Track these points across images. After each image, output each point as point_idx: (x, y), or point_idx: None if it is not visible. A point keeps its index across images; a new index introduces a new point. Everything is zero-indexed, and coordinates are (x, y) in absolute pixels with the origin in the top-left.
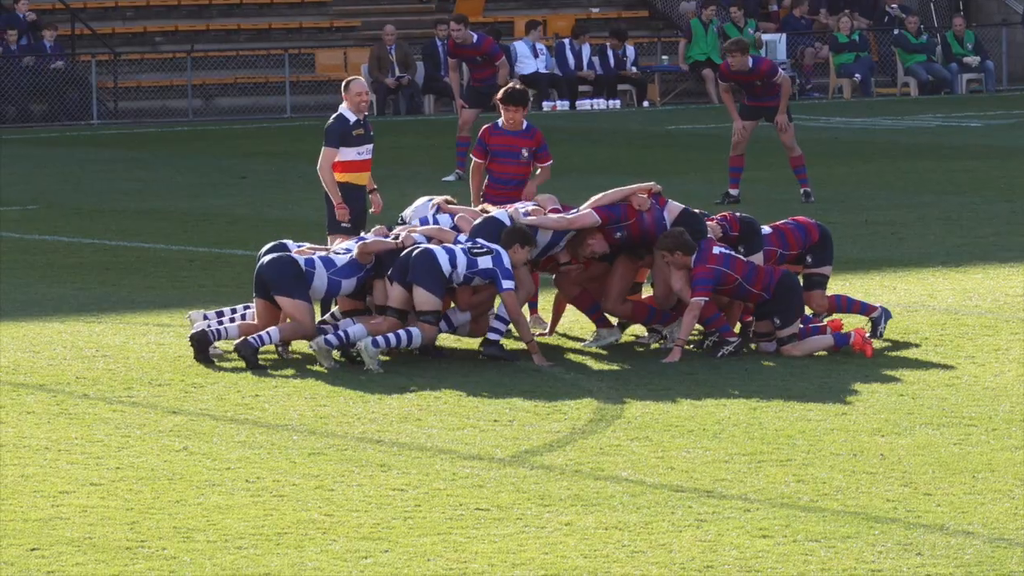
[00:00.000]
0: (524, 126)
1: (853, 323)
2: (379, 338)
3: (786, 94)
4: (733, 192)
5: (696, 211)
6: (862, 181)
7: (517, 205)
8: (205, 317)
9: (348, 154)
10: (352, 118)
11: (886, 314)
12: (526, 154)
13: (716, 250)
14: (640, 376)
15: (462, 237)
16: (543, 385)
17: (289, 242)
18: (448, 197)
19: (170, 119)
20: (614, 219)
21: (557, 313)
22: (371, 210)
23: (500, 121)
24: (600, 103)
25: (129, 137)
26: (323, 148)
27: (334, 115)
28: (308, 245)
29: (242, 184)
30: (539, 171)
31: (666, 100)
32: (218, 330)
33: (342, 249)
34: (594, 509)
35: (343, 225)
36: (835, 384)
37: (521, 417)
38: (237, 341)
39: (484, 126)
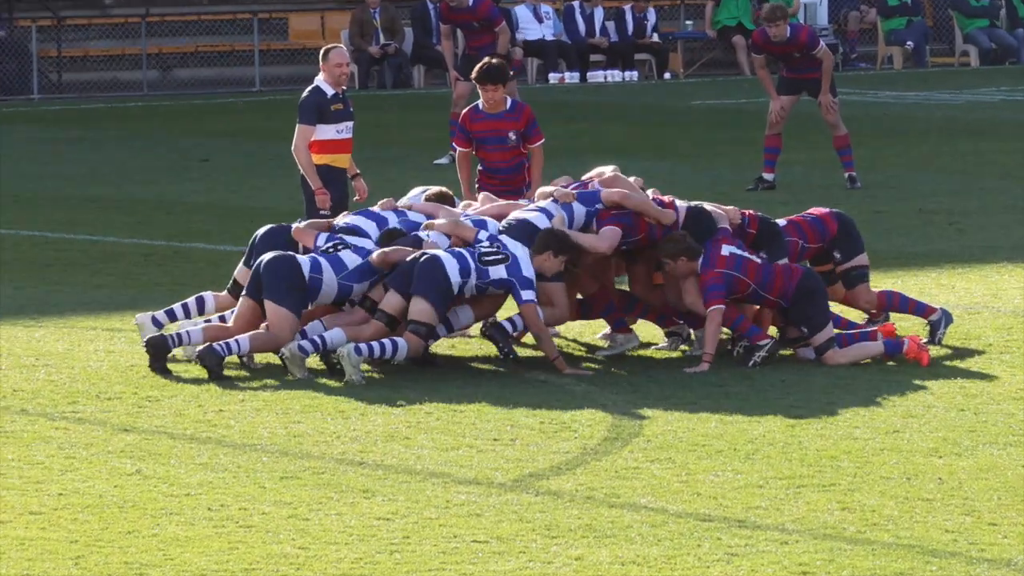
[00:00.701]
0: (508, 104)
1: (907, 327)
2: (363, 345)
3: (828, 70)
4: (768, 176)
5: (706, 206)
6: (915, 164)
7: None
8: (155, 321)
9: (326, 132)
10: (330, 91)
11: (947, 317)
12: (513, 137)
13: (726, 250)
14: (661, 388)
15: (492, 226)
16: (550, 398)
17: (298, 225)
18: (444, 189)
19: (122, 93)
20: (625, 230)
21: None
22: (355, 198)
23: (480, 103)
24: (615, 74)
25: (74, 114)
26: (297, 126)
27: (309, 88)
28: (305, 223)
29: (205, 168)
30: (532, 158)
31: (690, 71)
32: (179, 335)
33: (355, 247)
34: (608, 542)
35: (322, 213)
36: (886, 398)
37: (525, 435)
38: (201, 348)
39: (465, 109)
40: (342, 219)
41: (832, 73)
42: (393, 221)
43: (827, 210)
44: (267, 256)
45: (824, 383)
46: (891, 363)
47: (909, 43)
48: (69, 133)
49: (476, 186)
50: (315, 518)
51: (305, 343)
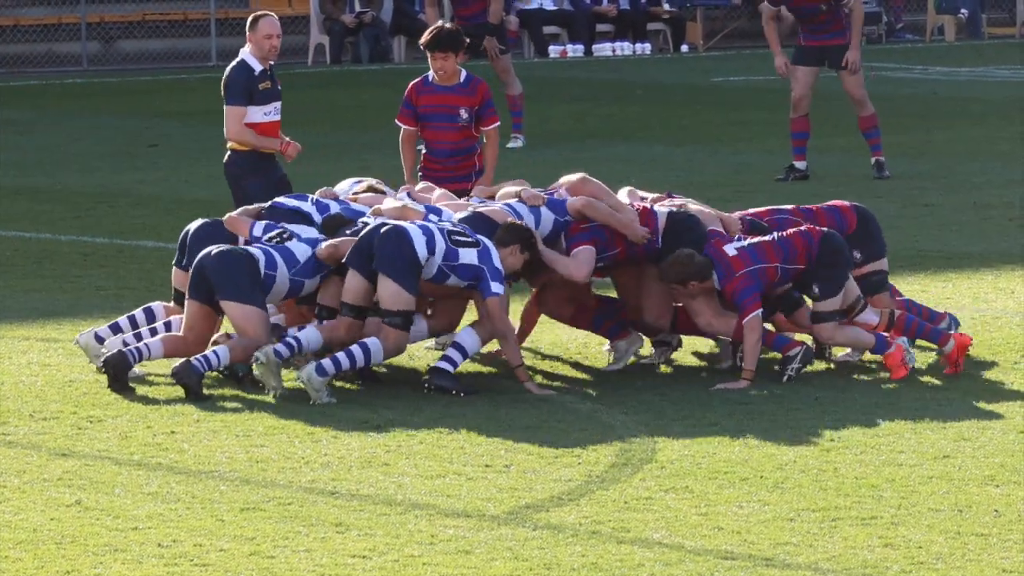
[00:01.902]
0: (462, 78)
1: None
2: (325, 362)
3: (859, 24)
4: (799, 165)
5: (691, 206)
6: (969, 150)
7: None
8: (97, 338)
9: (253, 115)
10: (258, 67)
11: (954, 322)
12: (465, 115)
13: (731, 250)
14: (677, 407)
15: (447, 214)
16: (550, 419)
17: (231, 215)
18: (375, 182)
19: (58, 68)
20: (599, 245)
21: (528, 325)
22: (286, 154)
23: (430, 74)
24: (625, 47)
25: (3, 92)
26: (226, 107)
27: (234, 63)
28: (238, 211)
29: (152, 154)
30: (486, 141)
31: (711, 43)
32: (138, 349)
33: (308, 239)
34: None
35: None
36: (934, 418)
37: (521, 461)
38: (177, 365)
39: (412, 81)
40: (289, 203)
41: (862, 35)
42: (335, 209)
43: (849, 203)
44: (213, 251)
45: (864, 402)
46: (942, 381)
47: (963, 11)
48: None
49: (419, 174)
50: (280, 555)
51: (280, 347)
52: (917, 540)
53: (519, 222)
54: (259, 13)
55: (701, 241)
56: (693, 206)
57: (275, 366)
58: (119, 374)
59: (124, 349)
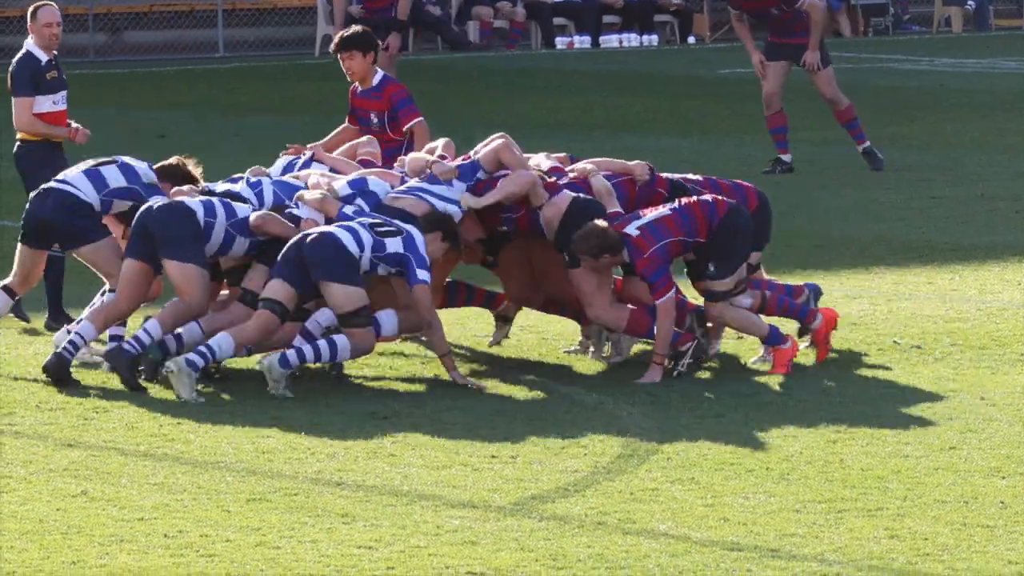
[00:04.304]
0: (375, 81)
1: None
2: (290, 354)
3: (818, 24)
4: (785, 158)
5: (593, 183)
6: (977, 142)
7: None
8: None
9: (41, 105)
10: (44, 57)
11: (814, 293)
12: (375, 120)
13: (632, 231)
14: (683, 398)
15: (363, 201)
16: (556, 410)
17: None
18: (318, 150)
19: (65, 59)
20: (505, 206)
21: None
22: (75, 140)
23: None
24: (632, 38)
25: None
26: (14, 99)
27: (20, 54)
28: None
29: (160, 145)
30: (415, 138)
31: (718, 35)
32: (71, 342)
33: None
34: (622, 573)
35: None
36: (941, 410)
37: (527, 452)
38: (107, 349)
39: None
40: (221, 186)
41: (821, 33)
42: (268, 187)
43: (753, 186)
44: (154, 205)
45: (870, 394)
46: (949, 371)
47: (970, 2)
48: (3, 105)
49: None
50: (287, 546)
51: (194, 357)
52: (923, 532)
53: (438, 211)
54: (39, 3)
55: (602, 215)
56: (595, 163)
57: (187, 376)
58: (62, 375)
59: (59, 350)
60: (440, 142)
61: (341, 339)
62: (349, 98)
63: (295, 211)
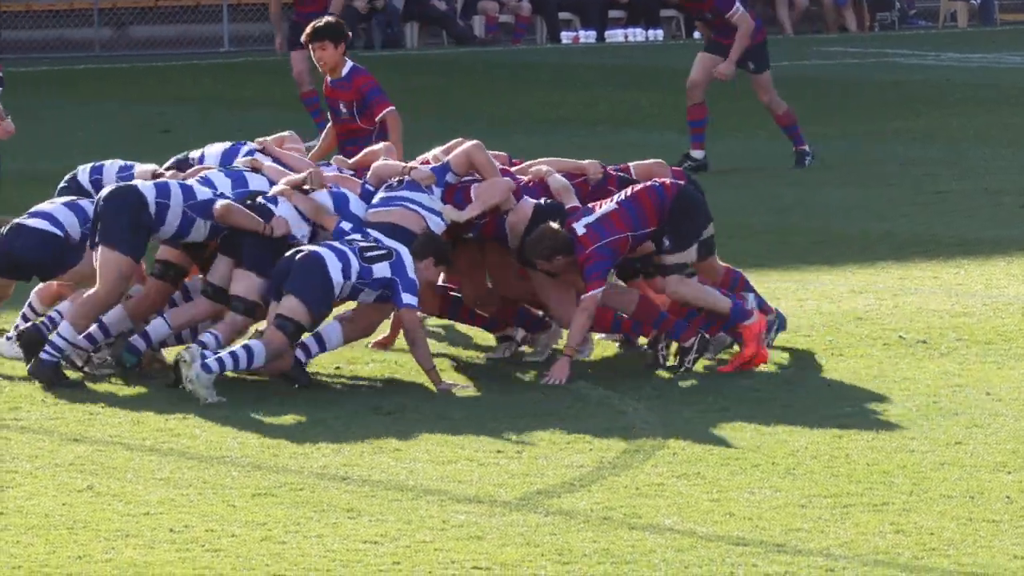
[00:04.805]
0: (344, 71)
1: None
2: (210, 361)
3: (742, 37)
4: (696, 154)
5: (551, 183)
6: (981, 137)
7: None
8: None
9: None
10: None
11: (780, 322)
12: (344, 110)
13: (580, 228)
14: (689, 393)
15: (352, 210)
16: (562, 405)
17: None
18: (290, 133)
19: (70, 54)
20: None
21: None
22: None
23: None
24: (637, 33)
25: (14, 78)
26: None
27: None
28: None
29: (165, 140)
30: (388, 128)
31: None
32: (51, 343)
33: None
34: (628, 569)
35: None
36: (946, 405)
37: (533, 447)
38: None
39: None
40: (193, 179)
41: (747, 44)
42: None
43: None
44: (105, 191)
45: (876, 388)
46: (955, 366)
47: None
48: (7, 101)
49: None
50: (292, 541)
51: (136, 341)
52: (929, 526)
53: (434, 235)
54: None
55: (564, 216)
56: (547, 163)
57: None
58: (50, 377)
59: (43, 357)
60: (381, 146)
61: (256, 344)
62: (324, 93)
63: (270, 206)
